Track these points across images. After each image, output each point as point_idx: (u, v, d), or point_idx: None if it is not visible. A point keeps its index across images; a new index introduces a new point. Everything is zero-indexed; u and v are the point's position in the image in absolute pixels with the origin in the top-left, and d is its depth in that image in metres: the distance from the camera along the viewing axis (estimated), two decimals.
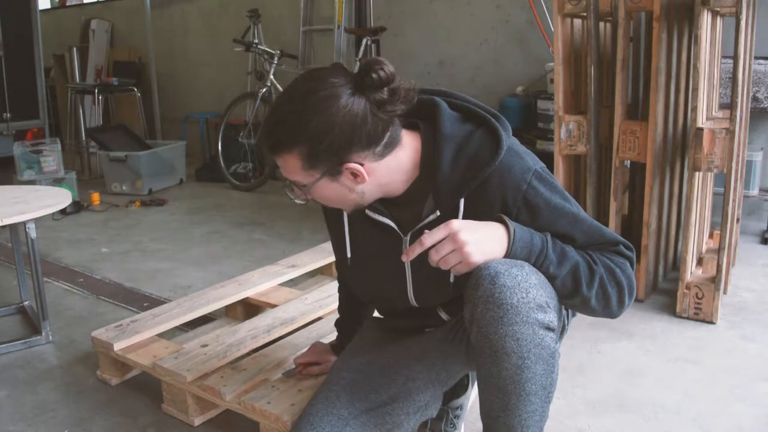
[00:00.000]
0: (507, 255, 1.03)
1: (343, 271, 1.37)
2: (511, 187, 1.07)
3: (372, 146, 1.04)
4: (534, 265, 1.04)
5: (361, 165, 1.04)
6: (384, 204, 1.16)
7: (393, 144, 1.06)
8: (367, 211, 1.16)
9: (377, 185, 1.09)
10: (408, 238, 1.16)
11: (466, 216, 1.09)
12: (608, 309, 1.09)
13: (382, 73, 1.01)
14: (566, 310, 1.19)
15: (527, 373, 1.01)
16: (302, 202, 1.14)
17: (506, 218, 1.04)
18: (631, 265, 1.11)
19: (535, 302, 0.99)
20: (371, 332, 1.39)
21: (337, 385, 1.24)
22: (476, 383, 1.55)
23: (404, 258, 1.03)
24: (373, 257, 1.23)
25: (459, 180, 1.07)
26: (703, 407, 1.59)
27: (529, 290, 0.99)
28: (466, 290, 1.04)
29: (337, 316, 1.51)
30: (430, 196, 1.11)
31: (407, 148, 1.09)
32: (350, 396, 1.21)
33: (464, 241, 0.99)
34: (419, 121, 1.12)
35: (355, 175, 1.05)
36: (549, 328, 1.01)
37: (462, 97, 1.14)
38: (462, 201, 1.09)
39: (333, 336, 1.59)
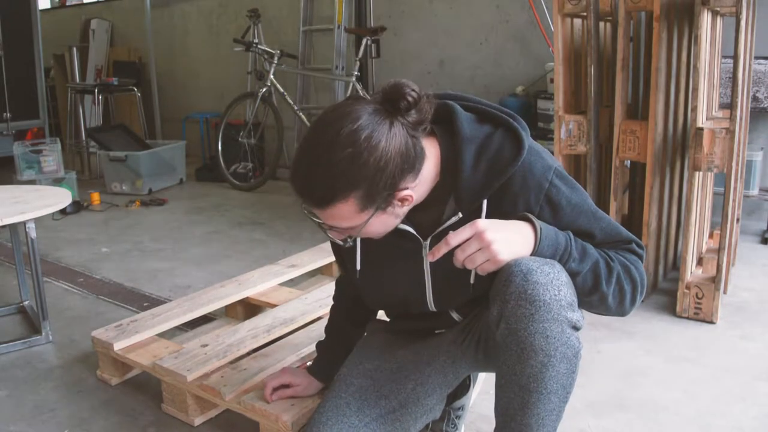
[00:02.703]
0: (534, 252, 1.03)
1: (350, 282, 1.35)
2: (534, 187, 1.07)
3: (416, 168, 1.03)
4: (559, 262, 1.04)
5: (408, 188, 1.03)
6: None
7: (423, 158, 1.06)
8: None
9: (413, 202, 1.08)
10: (428, 242, 1.14)
11: (489, 217, 1.08)
12: (622, 306, 1.10)
13: (414, 95, 1.00)
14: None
15: (551, 371, 1.00)
16: (350, 245, 1.11)
17: (532, 216, 1.05)
18: (642, 263, 1.12)
19: (566, 300, 0.99)
20: (377, 336, 1.38)
21: (346, 392, 1.23)
22: (477, 382, 1.56)
23: (430, 258, 1.02)
24: (388, 266, 1.21)
25: (481, 181, 1.07)
26: (703, 407, 1.59)
27: (561, 288, 0.99)
28: (494, 287, 1.04)
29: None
30: (451, 199, 1.10)
31: (430, 157, 1.08)
32: (360, 403, 1.21)
33: (491, 240, 0.98)
34: (433, 126, 1.10)
35: (404, 200, 1.04)
36: (576, 327, 1.01)
37: (472, 99, 1.14)
38: (485, 202, 1.09)
39: None
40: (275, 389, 1.41)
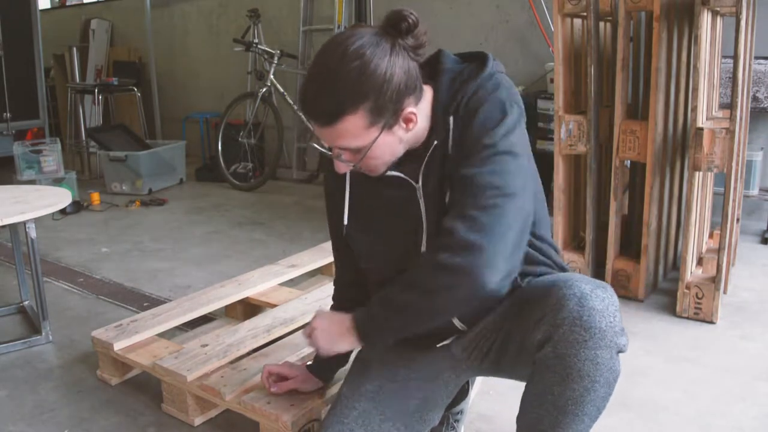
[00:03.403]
0: (360, 336, 1.12)
1: (349, 284, 1.35)
2: (476, 101, 1.08)
3: (416, 89, 1.07)
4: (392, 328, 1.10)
5: (412, 108, 1.07)
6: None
7: (422, 87, 1.09)
8: None
9: (415, 132, 1.10)
10: (420, 184, 1.14)
11: (455, 140, 1.08)
12: (460, 303, 1.04)
13: (413, 18, 1.04)
14: None
15: (592, 395, 0.99)
16: (350, 168, 1.12)
17: (356, 317, 1.13)
18: (470, 250, 0.99)
19: (619, 326, 0.99)
20: (375, 350, 1.34)
21: (348, 417, 1.19)
22: (476, 386, 1.56)
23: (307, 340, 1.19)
24: (381, 217, 1.20)
25: (447, 99, 1.10)
26: (703, 407, 1.59)
27: (616, 314, 0.99)
28: (539, 309, 1.03)
29: None
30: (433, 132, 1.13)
31: (427, 94, 1.12)
32: (364, 429, 1.18)
33: (313, 327, 1.17)
34: (428, 79, 1.14)
35: (408, 120, 1.07)
36: (621, 351, 1.01)
37: (464, 53, 1.19)
38: (451, 120, 1.10)
39: None
40: (275, 381, 1.42)
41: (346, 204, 1.23)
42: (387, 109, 1.03)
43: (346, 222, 1.23)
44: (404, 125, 1.07)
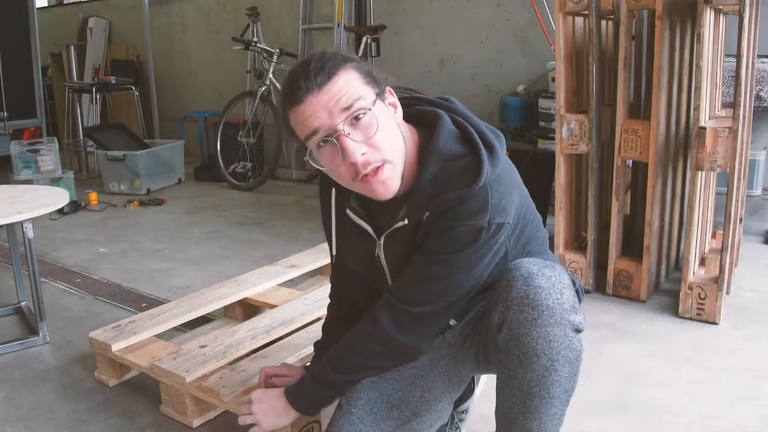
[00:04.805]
0: (299, 411, 1.26)
1: (344, 286, 1.38)
2: (454, 217, 1.05)
3: (395, 100, 1.10)
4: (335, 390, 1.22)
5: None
6: (365, 206, 1.17)
7: (400, 113, 1.11)
8: (347, 211, 1.18)
9: (404, 138, 1.09)
10: (382, 241, 1.16)
11: (422, 231, 1.09)
12: (391, 350, 1.17)
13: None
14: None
15: (554, 375, 1.01)
16: (363, 153, 1.05)
17: (290, 398, 1.26)
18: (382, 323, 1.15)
19: (569, 303, 1.00)
20: None
21: (355, 407, 1.19)
22: (481, 384, 1.54)
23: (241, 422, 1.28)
24: (356, 253, 1.23)
25: (428, 195, 1.07)
26: (706, 408, 1.58)
27: (563, 291, 1.01)
28: (495, 292, 1.05)
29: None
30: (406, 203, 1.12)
31: (409, 138, 1.11)
32: (373, 416, 1.18)
33: (253, 403, 1.27)
34: (420, 128, 1.13)
35: (394, 105, 1.09)
36: (578, 330, 1.02)
37: (466, 115, 1.12)
38: (426, 215, 1.08)
39: None
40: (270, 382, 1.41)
41: (333, 236, 1.26)
42: (373, 77, 1.06)
43: (334, 252, 1.27)
44: (392, 107, 1.09)
